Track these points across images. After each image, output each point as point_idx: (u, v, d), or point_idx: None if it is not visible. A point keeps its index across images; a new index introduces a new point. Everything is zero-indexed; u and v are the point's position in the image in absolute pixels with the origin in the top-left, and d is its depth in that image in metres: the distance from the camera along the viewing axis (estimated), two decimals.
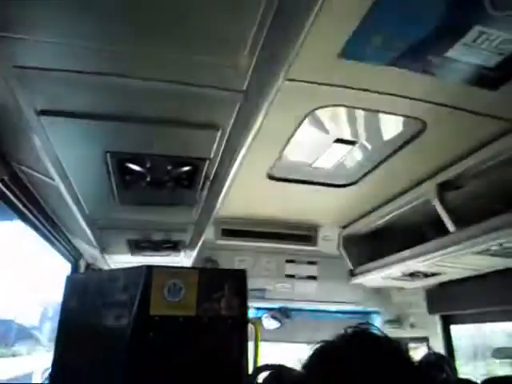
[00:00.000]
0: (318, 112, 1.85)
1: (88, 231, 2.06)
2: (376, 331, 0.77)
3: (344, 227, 3.22)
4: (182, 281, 2.47)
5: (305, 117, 1.81)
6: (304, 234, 3.31)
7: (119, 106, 0.95)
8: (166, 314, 2.43)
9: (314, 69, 1.53)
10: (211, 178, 1.30)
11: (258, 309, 3.86)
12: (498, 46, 1.42)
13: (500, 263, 2.31)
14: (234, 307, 2.50)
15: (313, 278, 3.57)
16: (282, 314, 4.05)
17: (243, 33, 0.74)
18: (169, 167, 1.21)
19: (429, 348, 3.24)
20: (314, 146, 2.16)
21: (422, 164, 2.18)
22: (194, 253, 2.63)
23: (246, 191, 2.61)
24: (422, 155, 2.09)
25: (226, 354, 2.29)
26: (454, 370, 2.68)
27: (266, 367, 1.79)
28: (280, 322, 4.05)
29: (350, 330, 0.77)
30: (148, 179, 1.27)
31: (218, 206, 1.71)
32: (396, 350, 0.73)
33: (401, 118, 1.86)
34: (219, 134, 1.04)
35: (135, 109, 0.96)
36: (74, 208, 1.69)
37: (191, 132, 1.05)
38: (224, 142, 1.10)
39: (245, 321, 2.50)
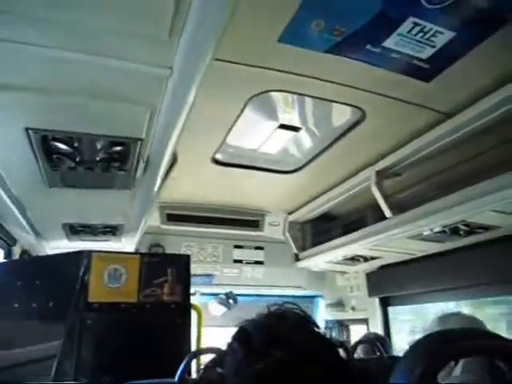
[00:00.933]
0: (262, 97, 1.85)
1: (19, 215, 1.94)
2: (299, 311, 0.78)
3: (290, 213, 3.27)
4: (123, 266, 2.42)
5: (248, 101, 1.80)
6: (251, 219, 3.33)
7: (38, 77, 0.88)
8: (106, 301, 2.37)
9: (255, 52, 1.51)
10: (145, 159, 1.26)
11: (205, 294, 3.85)
12: (431, 38, 1.48)
13: (431, 247, 2.44)
14: (177, 293, 2.48)
15: (260, 263, 3.60)
16: (229, 299, 4.07)
17: (166, 6, 0.71)
18: (98, 147, 1.15)
19: (368, 329, 3.39)
20: (258, 131, 2.16)
21: (363, 151, 2.24)
22: (137, 238, 2.56)
23: (190, 176, 2.57)
24: (362, 143, 2.15)
25: (168, 340, 2.28)
26: (390, 348, 2.84)
27: (204, 350, 1.79)
28: (227, 307, 4.07)
29: (273, 308, 0.77)
30: (77, 160, 1.20)
31: (156, 189, 1.66)
32: (314, 328, 0.74)
33: (342, 106, 1.90)
34: (149, 112, 1.00)
35: (56, 81, 0.90)
36: (1, 190, 1.58)
37: (120, 109, 1.00)
38: (156, 121, 1.06)
39: (187, 306, 2.50)
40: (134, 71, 0.87)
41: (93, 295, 2.32)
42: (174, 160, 1.87)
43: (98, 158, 1.21)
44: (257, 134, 2.19)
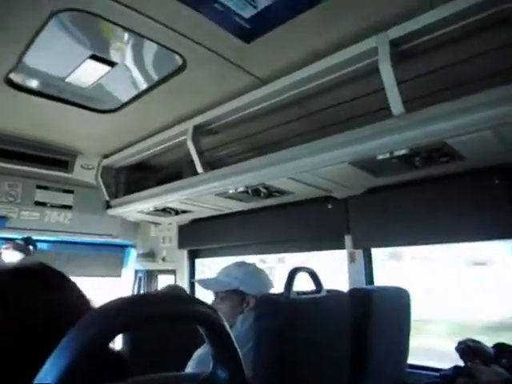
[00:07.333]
0: (72, 17, 1.59)
1: None
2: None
3: (104, 157, 3.03)
4: None
5: (52, 15, 1.51)
6: (59, 158, 2.96)
7: None
8: None
9: None
10: None
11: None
12: None
13: (236, 206, 2.60)
14: None
15: (67, 207, 3.28)
16: (29, 244, 3.65)
17: None
18: None
19: (175, 280, 3.49)
20: (67, 56, 1.87)
21: (182, 103, 2.18)
22: None
23: None
24: (182, 94, 2.08)
25: None
26: None
27: None
28: (25, 253, 3.65)
29: (31, 263, 0.66)
30: None
31: None
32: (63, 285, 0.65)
33: (164, 50, 1.77)
34: None
35: None
36: None
37: None
38: None
39: None
40: None
41: None
42: None
43: None
44: (65, 60, 1.89)
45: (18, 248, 3.66)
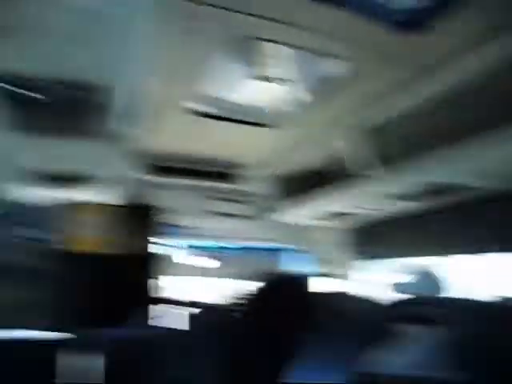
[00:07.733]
0: (237, 43, 1.72)
1: None
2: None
3: (269, 167, 3.19)
4: (92, 216, 2.40)
5: (219, 46, 1.67)
6: (227, 172, 3.25)
7: None
8: (73, 251, 2.38)
9: None
10: (109, 107, 1.17)
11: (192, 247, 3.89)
12: None
13: (408, 206, 2.43)
14: (141, 243, 2.51)
15: (239, 215, 3.59)
16: (217, 252, 4.10)
17: None
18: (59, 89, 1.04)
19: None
20: (234, 80, 2.04)
21: (346, 108, 2.15)
22: (111, 189, 2.49)
23: (164, 125, 2.46)
24: (345, 100, 2.06)
25: (131, 288, 2.34)
26: None
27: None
28: (218, 260, 4.13)
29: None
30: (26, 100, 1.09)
31: (127, 138, 1.57)
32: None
33: (330, 60, 1.79)
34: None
35: None
36: None
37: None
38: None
39: (151, 256, 2.55)
40: None
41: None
42: (144, 108, 1.77)
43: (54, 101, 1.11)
44: (233, 84, 2.08)
45: (212, 256, 4.17)
